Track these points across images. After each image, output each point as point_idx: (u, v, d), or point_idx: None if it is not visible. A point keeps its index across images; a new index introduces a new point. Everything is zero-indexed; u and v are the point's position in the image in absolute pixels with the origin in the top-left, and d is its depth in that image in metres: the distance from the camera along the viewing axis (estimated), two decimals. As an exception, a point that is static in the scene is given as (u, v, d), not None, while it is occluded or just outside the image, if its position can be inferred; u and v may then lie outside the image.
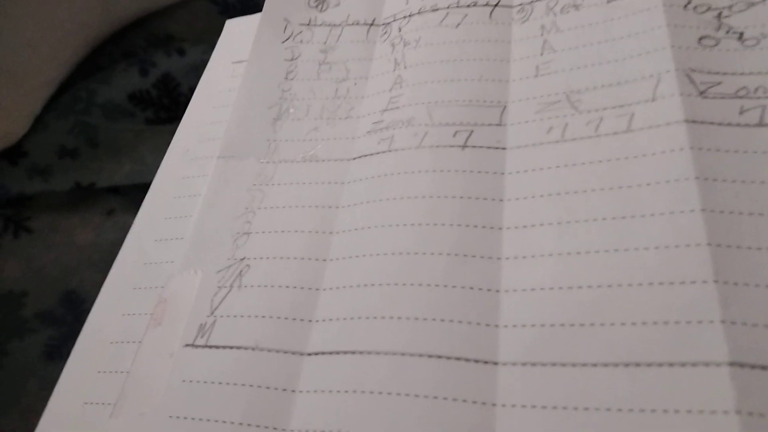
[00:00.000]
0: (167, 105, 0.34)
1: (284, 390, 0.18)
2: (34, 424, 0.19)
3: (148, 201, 0.24)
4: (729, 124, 0.18)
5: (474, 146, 0.21)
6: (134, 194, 0.30)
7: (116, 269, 0.22)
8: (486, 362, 0.16)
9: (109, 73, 0.34)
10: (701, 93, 0.19)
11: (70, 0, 0.33)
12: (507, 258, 0.18)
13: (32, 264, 0.29)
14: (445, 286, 0.18)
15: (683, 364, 0.15)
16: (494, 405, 0.16)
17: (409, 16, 0.26)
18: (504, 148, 0.20)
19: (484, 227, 0.19)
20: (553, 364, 0.16)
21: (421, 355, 0.17)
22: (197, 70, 0.32)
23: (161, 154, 0.25)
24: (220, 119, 0.26)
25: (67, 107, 0.33)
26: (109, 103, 0.35)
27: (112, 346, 0.20)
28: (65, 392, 0.20)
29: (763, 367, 0.14)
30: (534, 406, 0.15)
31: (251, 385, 0.18)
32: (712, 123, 0.18)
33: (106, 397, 0.19)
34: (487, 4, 0.25)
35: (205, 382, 0.18)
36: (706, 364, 0.14)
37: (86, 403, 0.19)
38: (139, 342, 0.20)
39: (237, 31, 0.29)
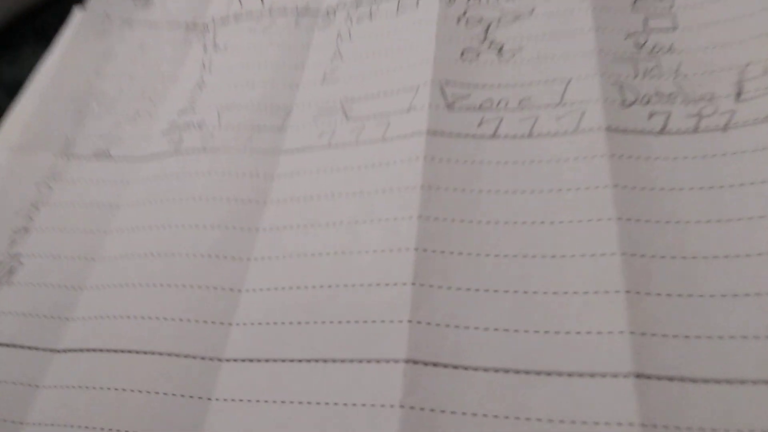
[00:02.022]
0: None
1: (29, 385, 0.18)
2: None
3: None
4: (466, 136, 0.19)
5: (252, 150, 0.21)
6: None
7: None
8: (211, 359, 0.17)
9: (16, 52, 0.34)
10: (449, 105, 0.20)
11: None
12: (255, 259, 0.19)
13: None
14: (192, 286, 0.18)
15: (368, 361, 0.16)
16: (209, 399, 0.16)
17: (226, 20, 0.26)
18: (279, 151, 0.21)
19: (242, 228, 0.20)
20: (267, 360, 0.17)
21: (153, 353, 0.17)
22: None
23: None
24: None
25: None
26: (14, 83, 0.34)
27: None
28: None
29: (434, 364, 0.15)
30: (242, 400, 0.16)
31: (0, 381, 0.18)
32: (450, 134, 0.19)
33: None
34: (295, 10, 0.25)
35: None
36: (386, 361, 0.15)
37: None
38: None
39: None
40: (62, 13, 0.30)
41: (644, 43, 0.20)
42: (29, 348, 0.19)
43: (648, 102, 0.18)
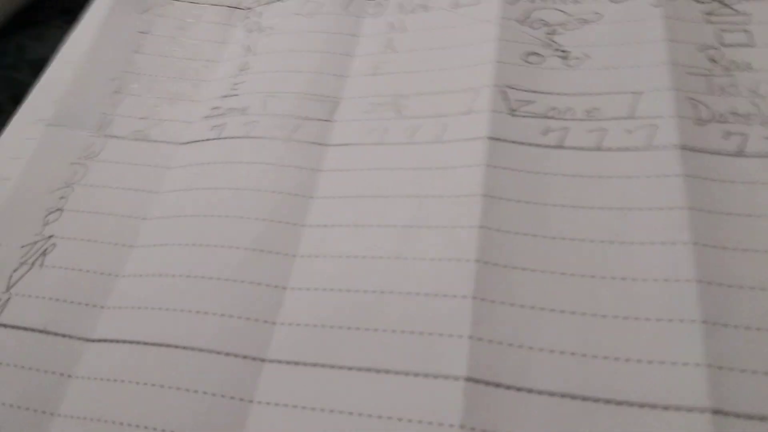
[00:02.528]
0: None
1: (61, 375, 0.17)
2: None
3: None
4: (530, 144, 0.18)
5: (298, 140, 0.21)
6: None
7: None
8: (254, 359, 0.16)
9: (42, 29, 0.33)
10: (512, 111, 0.19)
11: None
12: (302, 256, 0.18)
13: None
14: (235, 280, 0.18)
15: (425, 375, 0.15)
16: (251, 402, 0.16)
17: (271, 2, 0.25)
18: (326, 145, 0.20)
19: (287, 223, 0.19)
20: (314, 365, 0.16)
21: (192, 349, 0.17)
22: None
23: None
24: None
25: (-5, 60, 0.32)
26: (39, 60, 0.34)
27: None
28: None
29: (496, 385, 0.14)
30: (287, 405, 0.16)
31: (30, 368, 0.18)
32: (514, 142, 0.18)
33: None
34: (346, -4, 0.24)
35: (-11, 360, 0.18)
36: (445, 377, 0.15)
37: None
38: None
39: None
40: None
41: (720, 59, 0.19)
42: (62, 335, 0.18)
43: (724, 121, 0.17)
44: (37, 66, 0.28)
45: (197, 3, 0.26)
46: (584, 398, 0.14)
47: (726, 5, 0.20)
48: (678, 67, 0.19)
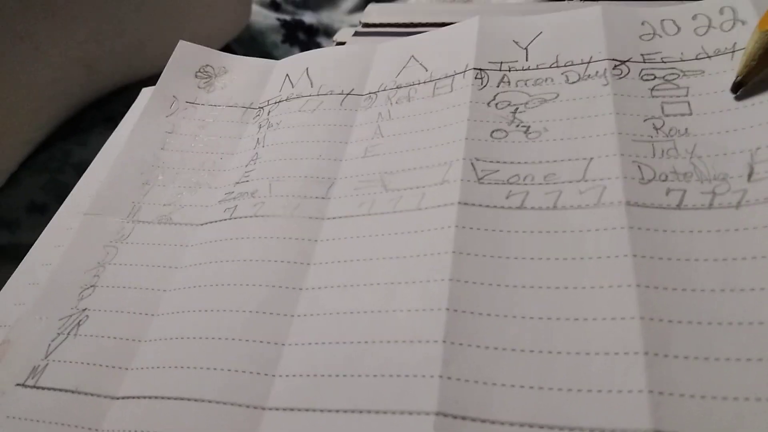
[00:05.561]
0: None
1: (89, 429, 0.20)
2: None
3: (35, 247, 0.27)
4: (495, 207, 0.21)
5: (298, 216, 0.24)
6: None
7: None
8: (255, 407, 0.19)
9: (86, 136, 0.38)
10: (480, 179, 0.22)
11: (53, 66, 0.35)
12: (299, 315, 0.21)
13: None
14: (240, 340, 0.20)
15: (401, 412, 0.17)
16: (252, 446, 0.18)
17: (279, 102, 0.29)
18: (323, 219, 0.23)
19: (287, 288, 0.21)
20: (307, 410, 0.18)
21: (202, 401, 0.19)
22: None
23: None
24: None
25: (42, 165, 0.36)
26: (83, 163, 0.38)
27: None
28: None
29: (463, 417, 0.16)
30: (283, 447, 0.18)
31: (64, 424, 0.20)
32: (480, 205, 0.21)
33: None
34: (341, 93, 0.28)
35: (28, 419, 0.21)
36: (418, 413, 0.17)
37: None
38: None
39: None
40: (129, 100, 0.34)
41: (661, 127, 0.21)
42: (91, 395, 0.21)
43: (665, 179, 0.20)
44: (81, 169, 0.33)
45: (216, 105, 0.30)
46: (541, 426, 0.16)
47: (668, 81, 0.23)
48: (624, 136, 0.21)
